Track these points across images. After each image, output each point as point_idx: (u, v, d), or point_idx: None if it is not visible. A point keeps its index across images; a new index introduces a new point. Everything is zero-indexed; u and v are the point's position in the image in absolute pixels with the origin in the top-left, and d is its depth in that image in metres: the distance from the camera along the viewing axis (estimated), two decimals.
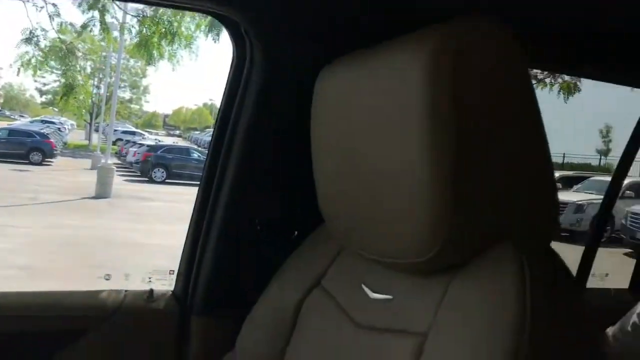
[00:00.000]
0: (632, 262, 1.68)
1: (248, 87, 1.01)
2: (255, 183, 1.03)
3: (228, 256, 1.04)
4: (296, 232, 1.02)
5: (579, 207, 9.37)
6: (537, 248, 0.61)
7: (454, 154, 0.57)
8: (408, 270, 0.67)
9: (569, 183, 11.23)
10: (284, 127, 1.01)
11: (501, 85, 0.60)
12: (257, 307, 0.92)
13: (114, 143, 13.86)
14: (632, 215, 8.82)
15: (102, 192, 9.15)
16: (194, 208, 1.08)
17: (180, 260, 1.10)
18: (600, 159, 15.62)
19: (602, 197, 1.54)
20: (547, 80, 5.29)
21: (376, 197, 0.66)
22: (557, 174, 12.18)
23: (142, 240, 6.18)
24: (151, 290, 1.06)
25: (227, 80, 1.04)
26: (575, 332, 0.59)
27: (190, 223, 1.09)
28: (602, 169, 13.33)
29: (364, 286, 0.74)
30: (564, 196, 10.09)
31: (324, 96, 0.75)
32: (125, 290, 1.07)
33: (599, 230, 1.60)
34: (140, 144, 13.75)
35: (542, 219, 0.64)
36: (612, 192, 1.56)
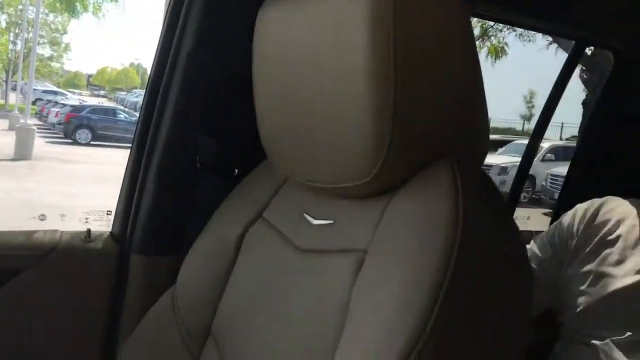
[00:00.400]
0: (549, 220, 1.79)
1: (187, 23, 0.99)
2: (194, 122, 1.02)
3: (167, 196, 1.03)
4: (237, 171, 1.03)
5: (503, 169, 9.81)
6: (471, 167, 0.64)
7: (393, 82, 0.59)
8: (350, 195, 0.69)
9: (493, 146, 11.68)
10: (223, 64, 1.00)
11: (440, 15, 0.62)
12: (198, 242, 0.93)
13: (33, 103, 13.15)
14: (552, 177, 9.30)
15: (22, 153, 8.72)
16: (131, 147, 1.07)
17: (118, 201, 1.08)
18: (524, 123, 16.28)
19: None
20: (476, 43, 5.43)
21: (317, 126, 0.67)
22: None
23: (69, 203, 5.95)
24: (89, 231, 1.05)
25: (166, 13, 1.01)
26: (507, 247, 0.63)
27: (127, 162, 1.07)
28: (526, 134, 13.89)
29: (305, 214, 0.76)
30: (488, 159, 10.49)
31: (265, 34, 0.76)
32: (62, 231, 1.05)
33: (518, 188, 1.69)
34: (62, 104, 13.11)
35: (476, 142, 0.68)
36: (529, 154, 1.64)
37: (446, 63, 0.62)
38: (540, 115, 1.61)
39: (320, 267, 0.69)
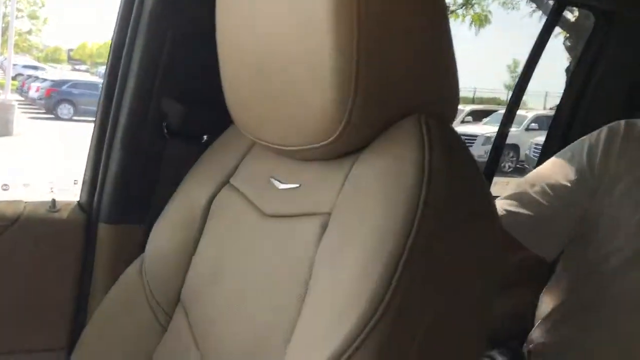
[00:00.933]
0: None
1: None
2: (159, 86, 0.99)
3: (134, 163, 1.01)
4: (205, 137, 1.00)
5: (487, 139, 9.84)
6: (440, 125, 0.62)
7: (355, 40, 0.57)
8: (316, 157, 0.68)
9: (478, 116, 11.72)
10: (188, 25, 0.97)
11: None
12: (167, 210, 0.91)
13: (13, 78, 12.91)
14: (535, 146, 9.37)
15: (3, 129, 8.59)
16: (95, 115, 1.03)
17: (85, 169, 1.05)
18: (508, 93, 16.29)
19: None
20: (460, 11, 5.39)
21: (282, 88, 0.65)
22: (467, 108, 12.69)
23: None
24: (53, 201, 1.02)
25: None
26: (475, 208, 0.61)
27: (93, 130, 1.04)
28: (504, 102, 13.94)
29: (272, 179, 0.75)
30: (474, 129, 10.57)
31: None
32: (26, 202, 1.02)
33: (496, 155, 1.68)
34: (43, 78, 12.87)
35: (445, 101, 0.66)
36: (505, 121, 1.63)
37: (412, 22, 0.60)
38: (517, 82, 1.60)
39: (285, 231, 0.68)
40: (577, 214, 1.02)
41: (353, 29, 0.57)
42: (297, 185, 0.71)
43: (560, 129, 1.68)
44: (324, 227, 0.62)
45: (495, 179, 1.77)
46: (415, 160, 0.56)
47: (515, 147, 9.94)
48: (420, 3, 0.61)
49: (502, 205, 1.03)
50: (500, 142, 1.70)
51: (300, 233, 0.65)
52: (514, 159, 10.11)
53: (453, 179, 0.58)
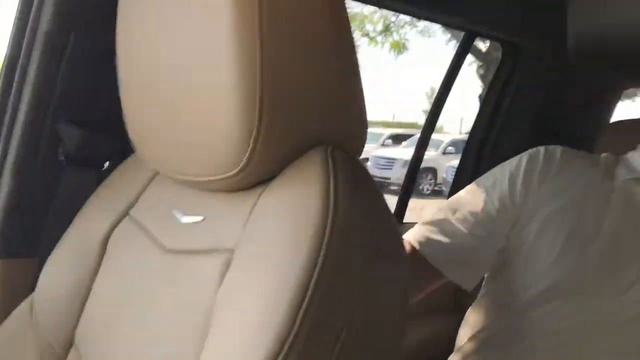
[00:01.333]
0: None
1: (45, 0, 0.89)
2: (55, 110, 0.92)
3: (26, 192, 0.93)
4: (107, 164, 0.94)
5: (406, 162, 10.07)
6: (347, 157, 0.61)
7: (259, 70, 0.54)
8: (220, 189, 0.64)
9: (398, 140, 12.06)
10: (88, 51, 0.91)
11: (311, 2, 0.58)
12: (61, 242, 0.84)
13: None
14: (452, 169, 9.71)
15: None
16: None
17: None
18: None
19: (428, 153, 1.65)
20: (379, 38, 5.55)
21: (183, 116, 0.62)
22: (387, 132, 13.01)
23: None
24: None
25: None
26: (382, 240, 0.60)
27: None
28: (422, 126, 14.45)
29: (174, 211, 0.70)
30: (393, 153, 10.85)
31: (128, 17, 0.69)
32: None
33: (411, 178, 1.71)
34: None
35: (353, 132, 0.64)
36: (420, 146, 1.67)
37: (317, 53, 0.58)
38: (431, 108, 1.64)
39: (187, 269, 0.64)
40: (498, 244, 1.00)
41: (256, 58, 0.54)
42: (201, 218, 0.66)
43: (473, 154, 1.73)
44: (227, 265, 0.58)
45: (412, 203, 1.79)
46: (321, 195, 0.54)
47: (433, 170, 10.27)
48: (326, 34, 0.59)
49: (422, 232, 1.01)
50: (415, 166, 1.72)
51: (202, 271, 0.61)
52: (432, 181, 10.43)
53: (360, 214, 0.56)
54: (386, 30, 5.73)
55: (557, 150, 1.02)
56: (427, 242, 0.99)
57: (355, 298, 0.54)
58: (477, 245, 0.99)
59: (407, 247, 1.00)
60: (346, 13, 0.62)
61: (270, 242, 0.55)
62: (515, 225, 0.98)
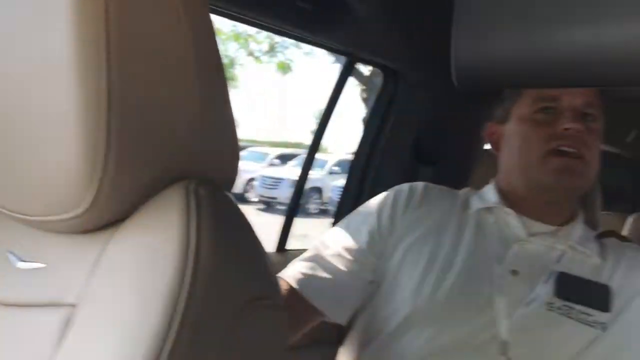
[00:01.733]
0: None
1: None
2: None
3: None
4: None
5: (293, 182, 10.13)
6: (212, 192, 0.54)
7: (105, 97, 0.47)
8: (63, 230, 0.55)
9: (285, 160, 12.12)
10: None
11: (168, 19, 0.51)
12: None
13: None
14: (337, 189, 9.89)
15: None
16: None
17: None
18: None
19: (314, 172, 1.63)
20: (264, 58, 5.55)
21: (20, 147, 0.52)
22: (274, 152, 13.04)
23: None
24: None
25: None
26: (250, 283, 0.54)
27: None
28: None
29: (10, 255, 0.59)
30: (280, 172, 10.89)
31: None
32: None
33: (295, 199, 1.67)
34: None
35: (221, 165, 0.58)
36: (305, 167, 1.65)
37: (176, 74, 0.51)
38: (316, 131, 1.62)
39: (24, 326, 0.54)
40: (368, 277, 1.06)
41: (102, 78, 0.46)
42: (43, 265, 0.56)
43: (356, 178, 1.73)
44: (67, 323, 0.49)
45: (299, 223, 1.76)
46: (180, 238, 0.47)
47: (319, 190, 10.40)
48: (189, 55, 0.52)
49: (299, 268, 1.05)
50: (300, 185, 1.69)
51: (41, 329, 0.51)
52: (319, 201, 10.55)
53: (228, 261, 0.50)
54: (271, 50, 5.75)
55: (420, 185, 1.12)
56: (304, 279, 1.03)
57: (225, 352, 0.48)
58: (349, 280, 1.05)
59: (285, 285, 1.03)
60: (213, 33, 0.55)
61: (119, 298, 0.47)
62: (382, 257, 1.05)
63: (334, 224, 1.69)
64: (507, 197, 1.08)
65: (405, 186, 1.12)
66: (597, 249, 1.06)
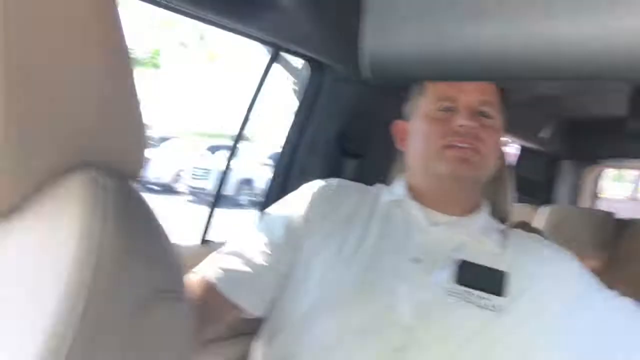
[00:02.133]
0: None
1: None
2: None
3: None
4: None
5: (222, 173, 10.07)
6: (121, 181, 0.52)
7: (4, 64, 0.44)
8: None
9: (214, 151, 11.98)
10: None
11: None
12: None
13: None
14: (269, 181, 9.83)
15: None
16: None
17: None
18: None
19: (247, 164, 1.60)
20: (193, 47, 5.43)
21: None
22: (205, 142, 12.84)
23: None
24: None
25: None
26: (160, 284, 0.53)
27: None
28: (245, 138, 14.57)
29: None
30: (210, 163, 10.78)
31: None
32: None
33: (218, 190, 1.66)
34: None
35: (126, 154, 0.56)
36: (228, 159, 1.64)
37: (79, 53, 0.49)
38: (241, 123, 1.60)
39: None
40: (284, 270, 1.10)
41: None
42: None
43: (283, 169, 1.72)
44: None
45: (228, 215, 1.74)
46: (80, 232, 0.45)
47: (250, 181, 10.34)
48: (92, 36, 0.50)
49: (217, 262, 1.10)
50: (223, 176, 1.67)
51: None
52: (250, 192, 10.48)
53: (130, 254, 0.48)
54: (201, 39, 5.64)
55: (334, 181, 1.21)
56: (220, 274, 1.07)
57: (123, 347, 0.47)
58: (265, 273, 1.09)
59: (202, 280, 1.06)
60: (117, 14, 0.53)
61: (8, 298, 0.44)
62: (296, 250, 1.11)
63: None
64: (414, 190, 1.17)
65: (319, 182, 1.20)
66: (498, 240, 1.14)
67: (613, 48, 0.65)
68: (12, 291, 0.45)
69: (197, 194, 10.22)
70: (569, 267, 1.11)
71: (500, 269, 1.08)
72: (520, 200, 2.83)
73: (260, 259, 1.09)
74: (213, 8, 1.23)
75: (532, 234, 1.24)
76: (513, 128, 2.61)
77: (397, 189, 1.19)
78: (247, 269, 1.08)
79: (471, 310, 1.02)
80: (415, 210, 1.14)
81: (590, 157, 3.19)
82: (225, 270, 1.07)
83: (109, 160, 0.53)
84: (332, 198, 1.16)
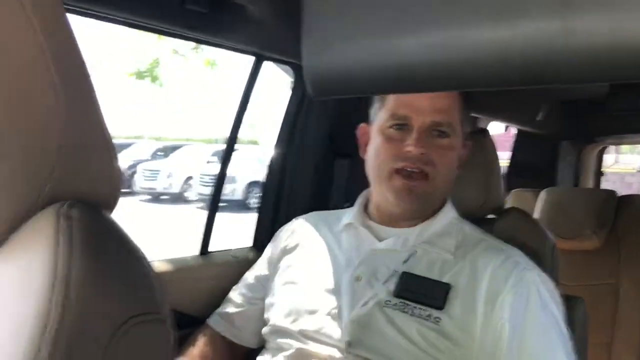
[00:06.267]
0: None
1: None
2: None
3: None
4: None
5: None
6: (90, 211, 0.54)
7: None
8: None
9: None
10: None
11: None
12: None
13: None
14: None
15: None
16: None
17: None
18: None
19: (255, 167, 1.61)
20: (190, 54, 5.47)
21: None
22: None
23: None
24: None
25: None
26: (133, 311, 0.53)
27: None
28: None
29: None
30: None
31: None
32: None
33: (216, 196, 1.66)
34: None
35: (99, 179, 0.58)
36: (223, 165, 1.64)
37: (31, 82, 0.51)
38: (231, 131, 1.60)
39: None
40: (262, 306, 1.28)
41: None
42: None
43: (276, 169, 1.74)
44: None
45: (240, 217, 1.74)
46: (48, 267, 0.47)
47: (259, 184, 10.38)
48: (47, 57, 0.51)
49: (218, 309, 1.34)
50: (219, 181, 1.66)
51: None
52: (258, 194, 10.50)
53: (100, 283, 0.50)
54: (196, 47, 5.68)
55: (299, 219, 1.36)
56: (217, 318, 1.32)
57: None
58: (254, 313, 1.29)
59: (208, 328, 1.32)
60: (72, 35, 0.54)
61: None
62: (265, 286, 1.29)
63: (258, 219, 1.71)
64: (370, 204, 1.24)
65: (285, 225, 1.37)
66: (451, 245, 1.14)
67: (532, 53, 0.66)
68: None
69: (206, 201, 10.27)
70: (520, 281, 1.06)
71: (447, 277, 1.08)
72: (523, 186, 2.82)
73: (249, 301, 1.31)
74: (183, 23, 1.25)
75: (486, 237, 1.19)
76: (508, 113, 2.61)
77: (354, 209, 1.26)
78: (241, 311, 1.31)
79: (408, 321, 1.04)
80: (363, 231, 1.20)
81: (589, 135, 3.17)
82: (220, 315, 1.32)
83: (80, 192, 0.55)
84: (293, 237, 1.31)
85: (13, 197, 0.51)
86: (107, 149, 0.58)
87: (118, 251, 0.55)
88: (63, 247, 0.48)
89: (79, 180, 0.56)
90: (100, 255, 0.52)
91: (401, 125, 1.13)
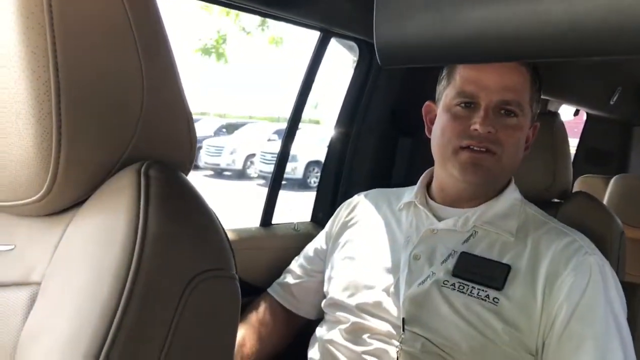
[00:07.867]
0: None
1: None
2: None
3: None
4: None
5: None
6: (166, 174, 0.58)
7: (53, 83, 0.50)
8: (27, 214, 0.59)
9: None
10: None
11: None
12: None
13: None
14: None
15: None
16: None
17: None
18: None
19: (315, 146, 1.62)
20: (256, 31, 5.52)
21: None
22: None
23: None
24: None
25: None
26: (206, 264, 0.57)
27: None
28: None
29: None
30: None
31: None
32: None
33: (279, 172, 1.69)
34: None
35: (175, 147, 0.62)
36: (285, 143, 1.66)
37: (121, 58, 0.55)
38: (293, 109, 1.62)
39: None
40: (320, 279, 1.32)
41: (48, 64, 0.50)
42: (11, 247, 0.61)
43: (337, 150, 1.75)
44: (33, 300, 0.53)
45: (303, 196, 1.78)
46: (128, 218, 0.51)
47: (319, 163, 10.44)
48: (134, 34, 0.56)
49: (277, 280, 1.39)
50: (282, 158, 1.69)
51: (10, 307, 0.55)
52: (318, 174, 10.57)
53: (176, 237, 0.54)
54: (263, 24, 5.72)
55: (360, 195, 1.37)
56: (278, 289, 1.37)
57: (172, 322, 0.52)
58: (312, 285, 1.33)
59: (269, 297, 1.37)
60: (157, 13, 0.58)
61: (75, 276, 0.51)
62: (330, 254, 1.31)
63: (317, 194, 1.73)
64: (433, 184, 1.23)
65: (346, 201, 1.39)
66: (513, 227, 1.12)
67: (626, 23, 0.63)
68: (76, 269, 0.52)
69: (267, 178, 10.45)
70: (580, 264, 1.04)
71: (507, 258, 1.07)
72: (591, 172, 2.72)
73: (308, 274, 1.35)
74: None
75: (549, 220, 1.16)
76: (580, 96, 2.51)
77: (416, 189, 1.25)
78: (299, 282, 1.35)
79: (467, 301, 1.04)
80: (423, 210, 1.19)
81: None
82: (281, 285, 1.37)
83: (158, 153, 0.59)
84: (352, 212, 1.33)
85: (99, 155, 0.55)
86: (185, 114, 0.62)
87: (192, 209, 0.59)
88: (142, 204, 0.52)
89: (157, 143, 0.59)
90: (175, 212, 0.56)
91: (468, 103, 1.11)
